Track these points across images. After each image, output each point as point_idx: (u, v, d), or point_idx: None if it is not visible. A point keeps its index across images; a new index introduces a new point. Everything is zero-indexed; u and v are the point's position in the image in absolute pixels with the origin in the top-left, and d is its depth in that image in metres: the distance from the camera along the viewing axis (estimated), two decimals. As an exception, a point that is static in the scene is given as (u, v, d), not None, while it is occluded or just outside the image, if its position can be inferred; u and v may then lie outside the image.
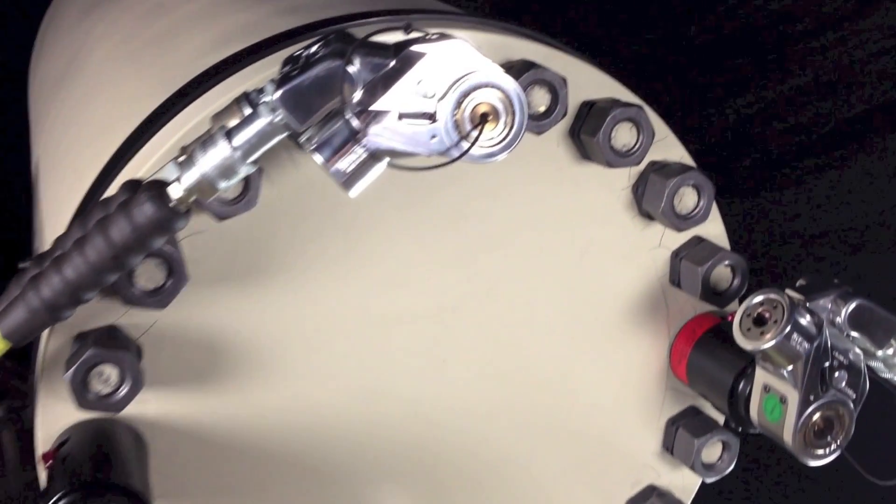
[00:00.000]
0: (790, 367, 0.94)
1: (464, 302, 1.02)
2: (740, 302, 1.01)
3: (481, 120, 0.77)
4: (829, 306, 0.96)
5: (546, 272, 1.05)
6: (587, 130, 0.97)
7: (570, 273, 1.06)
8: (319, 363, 0.98)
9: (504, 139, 0.78)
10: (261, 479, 1.00)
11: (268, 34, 1.02)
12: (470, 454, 1.07)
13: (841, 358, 0.96)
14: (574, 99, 0.99)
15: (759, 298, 0.95)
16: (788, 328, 0.91)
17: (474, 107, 0.76)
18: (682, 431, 1.13)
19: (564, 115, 0.95)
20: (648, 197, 1.03)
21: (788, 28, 2.30)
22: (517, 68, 0.93)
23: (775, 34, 2.32)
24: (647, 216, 1.05)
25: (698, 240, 1.08)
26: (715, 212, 1.08)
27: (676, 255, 1.08)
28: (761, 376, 0.99)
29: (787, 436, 0.97)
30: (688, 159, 1.06)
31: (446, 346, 1.02)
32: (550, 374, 1.08)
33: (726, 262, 1.06)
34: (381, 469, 1.04)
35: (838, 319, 0.95)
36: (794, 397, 0.95)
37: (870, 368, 1.01)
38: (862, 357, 0.97)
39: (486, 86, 0.76)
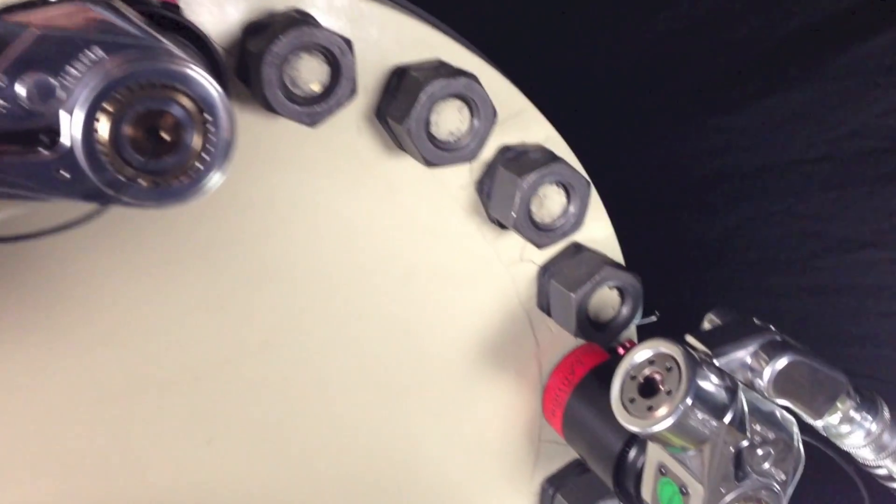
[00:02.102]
0: (692, 452, 0.66)
1: (234, 357, 0.71)
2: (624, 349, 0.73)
3: (150, 138, 0.45)
4: (749, 361, 0.67)
5: (360, 306, 0.74)
6: (394, 114, 0.65)
7: (395, 305, 0.75)
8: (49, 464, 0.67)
9: (193, 164, 0.46)
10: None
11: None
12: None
13: (765, 432, 0.67)
14: (382, 63, 0.66)
15: (645, 355, 0.66)
16: (688, 402, 0.62)
17: (135, 119, 0.44)
18: (560, 499, 0.85)
19: (353, 93, 0.62)
20: (496, 201, 0.72)
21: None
22: (275, 28, 0.60)
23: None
24: (501, 223, 0.75)
25: (576, 248, 0.78)
26: (597, 211, 0.78)
27: (545, 272, 0.78)
28: (656, 453, 0.71)
29: (691, 539, 0.69)
30: (555, 141, 0.75)
31: (211, 418, 0.72)
32: (377, 443, 0.79)
33: (611, 283, 0.76)
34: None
35: (760, 382, 0.66)
36: (697, 491, 0.67)
37: (809, 432, 0.73)
38: (795, 426, 0.69)
39: (147, 83, 0.43)
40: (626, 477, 0.76)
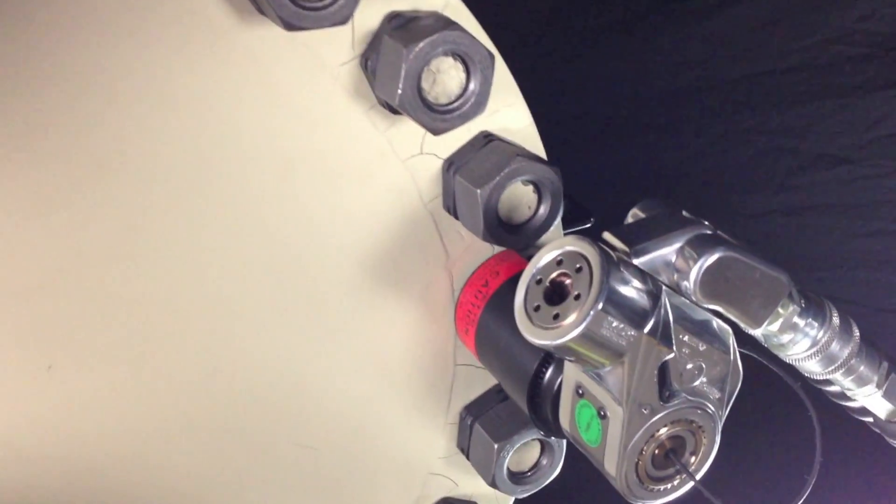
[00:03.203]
0: (608, 368, 0.56)
1: (79, 268, 0.60)
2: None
3: None
4: (674, 260, 0.56)
5: (232, 208, 0.63)
6: (242, -37, 0.53)
7: (273, 207, 0.64)
8: None
9: None
10: None
11: None
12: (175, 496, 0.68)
13: (694, 343, 0.57)
14: None
15: (551, 255, 0.55)
16: (599, 307, 0.52)
17: None
18: (480, 430, 0.75)
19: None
20: (382, 78, 0.60)
21: None
22: None
23: None
24: (391, 107, 0.63)
25: (486, 139, 0.67)
26: (511, 96, 0.67)
27: (449, 167, 0.67)
28: (573, 372, 0.61)
29: (610, 467, 0.59)
30: (456, 8, 0.63)
31: (53, 339, 0.61)
32: (270, 367, 0.68)
33: (524, 177, 0.64)
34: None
35: (687, 284, 0.55)
36: (617, 413, 0.57)
37: (746, 339, 0.63)
38: (731, 336, 0.59)
39: None
40: (542, 401, 0.66)
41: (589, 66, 1.92)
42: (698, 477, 0.61)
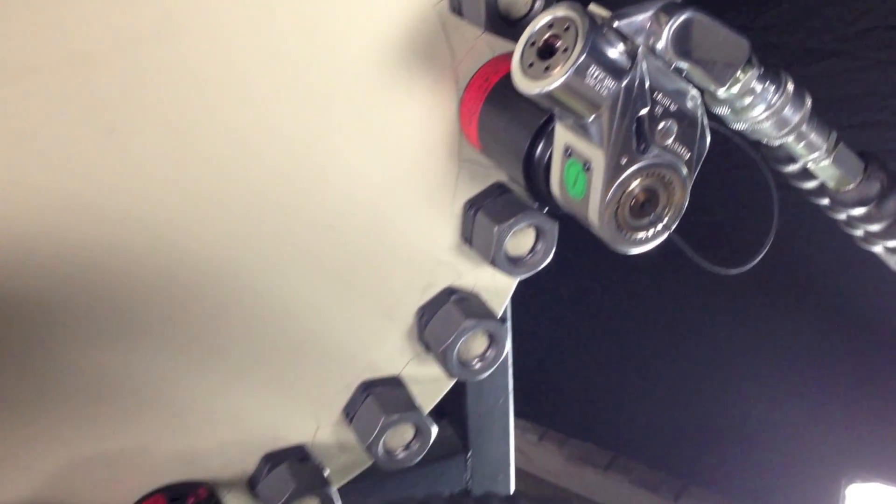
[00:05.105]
0: (591, 118, 0.65)
1: (131, 41, 0.68)
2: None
3: None
4: (649, 25, 0.65)
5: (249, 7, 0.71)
6: None
7: (287, 21, 0.72)
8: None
9: None
10: None
11: None
12: (180, 264, 0.78)
13: (667, 102, 0.66)
14: None
15: (545, 20, 0.64)
16: (582, 58, 0.61)
17: None
18: (482, 216, 0.84)
19: None
20: None
21: None
22: None
23: None
24: None
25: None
26: None
27: (454, -32, 0.75)
28: (562, 134, 0.70)
29: (593, 215, 0.69)
30: None
31: (110, 107, 0.70)
32: (290, 157, 0.77)
33: (522, -26, 0.73)
34: (57, 290, 0.74)
35: (660, 44, 0.64)
36: (599, 161, 0.67)
37: (714, 118, 0.72)
38: (700, 101, 0.68)
39: None
40: (536, 173, 0.75)
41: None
42: (672, 228, 0.70)
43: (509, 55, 0.78)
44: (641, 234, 0.70)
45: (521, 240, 0.85)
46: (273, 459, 0.88)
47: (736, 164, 0.78)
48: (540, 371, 2.39)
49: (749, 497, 2.09)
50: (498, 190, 0.86)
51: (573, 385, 2.35)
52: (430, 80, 0.80)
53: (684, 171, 0.69)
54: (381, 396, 0.89)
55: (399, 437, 0.89)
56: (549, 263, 0.87)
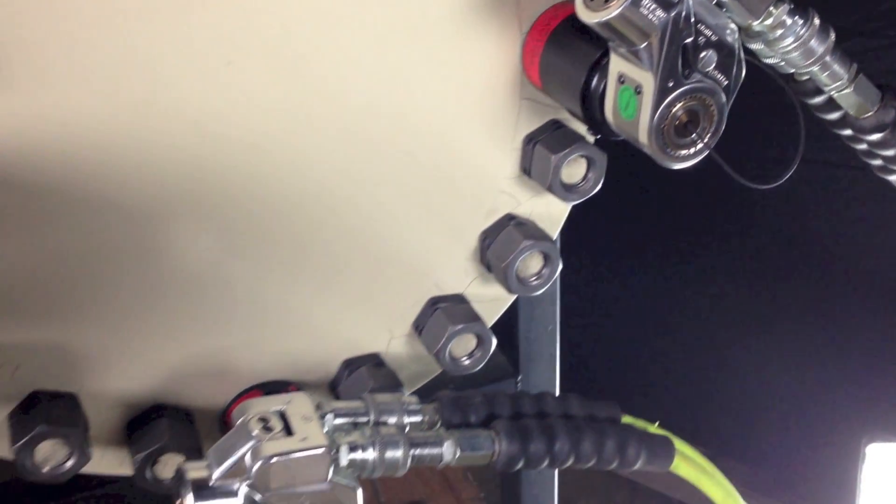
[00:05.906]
0: (643, 45, 0.76)
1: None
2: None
3: None
4: (695, -35, 0.76)
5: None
6: None
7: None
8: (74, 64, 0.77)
9: None
10: (28, 214, 0.81)
11: None
12: (283, 183, 0.89)
13: (708, 33, 0.77)
14: None
15: (604, -42, 0.75)
16: (638, -10, 0.72)
17: None
18: (540, 148, 0.95)
19: None
20: None
21: None
22: None
23: None
24: None
25: None
26: None
27: (522, -80, 0.86)
28: (616, 64, 0.81)
29: (643, 134, 0.80)
30: None
31: (229, 41, 0.81)
32: (370, 88, 0.88)
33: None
34: (174, 200, 0.86)
35: (703, -21, 0.75)
36: (649, 84, 0.78)
37: (749, 52, 0.83)
38: (737, 34, 0.78)
39: None
40: (592, 102, 0.86)
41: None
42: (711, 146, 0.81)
43: (568, 2, 0.90)
44: (684, 152, 0.81)
45: (574, 169, 0.96)
46: (352, 365, 1.00)
47: (769, 98, 0.88)
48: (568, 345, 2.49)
49: (768, 461, 2.16)
50: (553, 125, 0.97)
51: (600, 358, 2.42)
52: (496, 24, 0.91)
53: (723, 96, 0.80)
54: (447, 310, 1.00)
55: (463, 346, 1.01)
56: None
